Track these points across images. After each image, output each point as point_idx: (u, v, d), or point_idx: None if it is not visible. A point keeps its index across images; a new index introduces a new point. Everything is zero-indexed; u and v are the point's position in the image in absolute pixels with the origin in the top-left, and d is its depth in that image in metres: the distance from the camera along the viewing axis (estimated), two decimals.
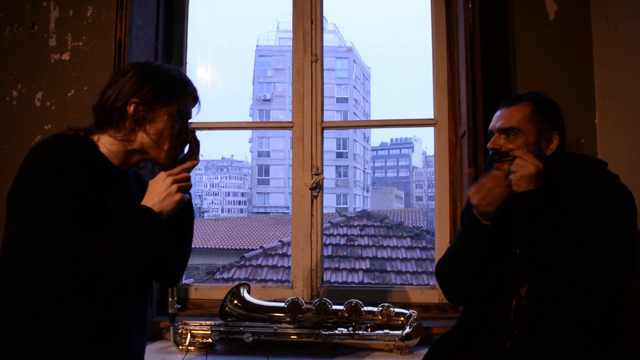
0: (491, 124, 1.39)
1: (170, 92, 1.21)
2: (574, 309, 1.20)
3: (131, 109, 1.19)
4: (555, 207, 1.26)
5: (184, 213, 1.32)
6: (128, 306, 1.23)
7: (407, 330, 1.92)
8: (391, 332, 1.93)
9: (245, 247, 12.42)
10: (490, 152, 1.37)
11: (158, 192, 1.17)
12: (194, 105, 1.30)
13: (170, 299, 1.98)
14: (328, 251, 7.57)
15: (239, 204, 59.32)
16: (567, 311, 1.21)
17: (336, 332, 1.94)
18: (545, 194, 1.26)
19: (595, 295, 1.16)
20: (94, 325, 1.15)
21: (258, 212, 34.22)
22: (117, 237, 1.09)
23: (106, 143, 1.21)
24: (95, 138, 1.21)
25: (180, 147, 1.28)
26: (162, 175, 1.20)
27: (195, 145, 1.31)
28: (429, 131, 2.36)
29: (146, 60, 1.34)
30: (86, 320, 1.14)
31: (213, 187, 62.07)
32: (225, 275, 7.42)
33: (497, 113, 1.38)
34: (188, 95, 1.26)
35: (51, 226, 1.04)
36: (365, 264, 7.35)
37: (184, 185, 1.20)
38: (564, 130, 1.35)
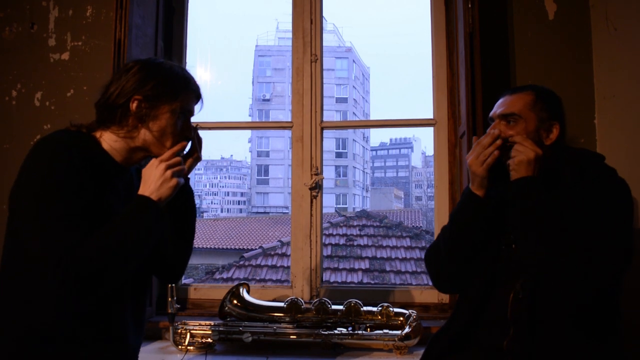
0: (492, 111, 1.40)
1: (174, 89, 1.21)
2: (569, 300, 1.20)
3: (134, 106, 1.18)
4: (553, 197, 1.26)
5: (184, 207, 1.32)
6: (126, 305, 1.23)
7: (407, 330, 1.92)
8: (390, 332, 1.94)
9: (245, 247, 12.41)
10: None
11: (153, 180, 1.17)
12: (196, 103, 1.29)
13: (169, 299, 1.98)
14: (327, 251, 7.58)
15: (239, 203, 59.29)
16: (563, 302, 1.21)
17: (335, 332, 1.94)
18: (542, 181, 1.27)
19: (590, 286, 1.16)
20: (90, 323, 1.15)
21: (257, 212, 34.21)
22: (119, 229, 1.09)
23: (109, 140, 1.21)
24: (97, 135, 1.22)
25: None
26: (154, 162, 1.19)
27: (198, 142, 1.31)
28: (429, 131, 2.36)
29: (148, 57, 1.34)
30: (83, 318, 1.14)
31: (212, 187, 62.05)
32: (224, 275, 7.42)
33: (499, 101, 1.39)
34: (191, 92, 1.26)
35: (52, 223, 1.04)
36: (365, 264, 7.36)
37: (178, 170, 1.20)
38: (564, 122, 1.36)
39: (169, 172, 1.18)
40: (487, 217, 1.33)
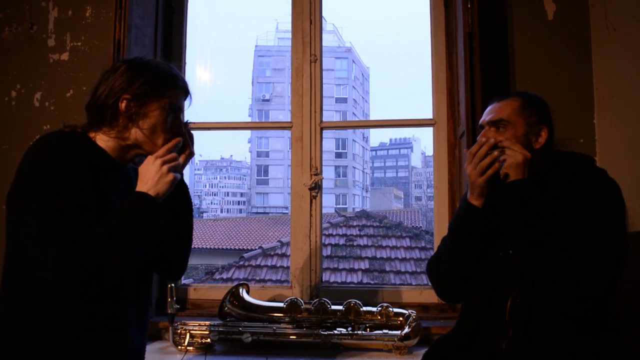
0: (481, 119, 1.41)
1: (161, 87, 1.22)
2: (565, 302, 1.20)
3: (123, 105, 1.19)
4: (544, 200, 1.27)
5: (180, 203, 1.33)
6: (129, 304, 1.24)
7: (406, 330, 1.92)
8: (390, 332, 1.94)
9: (245, 247, 12.41)
10: None
11: (150, 176, 1.18)
12: (185, 99, 1.31)
13: (169, 299, 1.98)
14: (327, 251, 7.58)
15: (238, 204, 59.26)
16: (559, 305, 1.21)
17: (335, 332, 1.94)
18: (533, 184, 1.27)
19: (587, 287, 1.16)
20: (93, 322, 1.15)
21: (257, 212, 34.20)
22: (118, 224, 1.10)
23: (102, 140, 1.22)
24: (91, 135, 1.23)
25: None
26: (150, 159, 1.20)
27: (189, 138, 1.32)
28: (428, 131, 2.36)
29: (136, 56, 1.34)
30: (86, 317, 1.14)
31: (212, 187, 61.98)
32: (224, 276, 7.42)
33: (488, 108, 1.41)
34: (179, 88, 1.27)
35: (52, 220, 1.05)
36: (365, 264, 7.36)
37: (174, 165, 1.21)
38: (552, 126, 1.37)
39: (165, 168, 1.19)
40: (485, 226, 1.34)
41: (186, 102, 1.31)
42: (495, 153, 1.30)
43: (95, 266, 1.04)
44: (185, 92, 1.29)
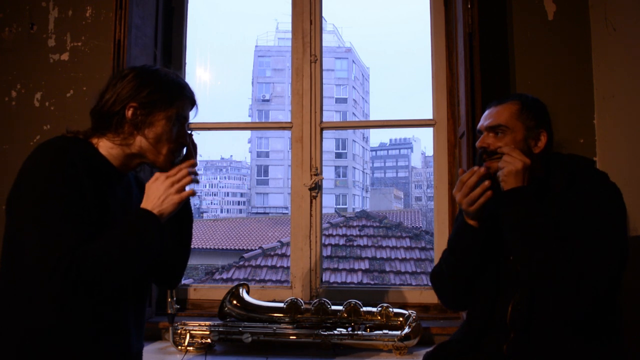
0: (479, 123, 1.40)
1: (169, 96, 1.22)
2: (565, 307, 1.19)
3: (129, 113, 1.19)
4: (544, 205, 1.26)
5: (182, 215, 1.32)
6: (128, 308, 1.23)
7: (406, 330, 1.92)
8: (390, 332, 1.94)
9: (245, 248, 12.41)
10: (479, 150, 1.37)
11: (157, 195, 1.17)
12: (191, 109, 1.30)
13: (169, 300, 1.98)
14: (327, 251, 7.58)
15: (238, 204, 59.26)
16: (559, 310, 1.21)
17: (335, 332, 1.94)
18: (533, 190, 1.26)
19: (586, 293, 1.16)
20: (93, 327, 1.15)
21: (257, 213, 34.21)
22: (118, 240, 1.09)
23: (105, 146, 1.21)
24: (94, 141, 1.22)
25: (179, 150, 1.28)
26: (160, 177, 1.20)
27: (193, 148, 1.32)
28: (428, 131, 2.37)
29: (144, 63, 1.34)
30: (86, 322, 1.14)
31: (212, 187, 62.02)
32: (224, 276, 7.42)
33: (486, 112, 1.39)
34: (186, 99, 1.26)
35: (50, 227, 1.04)
36: (365, 264, 7.35)
37: (182, 185, 1.20)
38: (551, 129, 1.35)
39: (173, 188, 1.18)
40: (485, 241, 1.33)
41: (192, 113, 1.31)
42: (486, 183, 1.27)
43: (93, 278, 1.03)
44: (192, 102, 1.29)
